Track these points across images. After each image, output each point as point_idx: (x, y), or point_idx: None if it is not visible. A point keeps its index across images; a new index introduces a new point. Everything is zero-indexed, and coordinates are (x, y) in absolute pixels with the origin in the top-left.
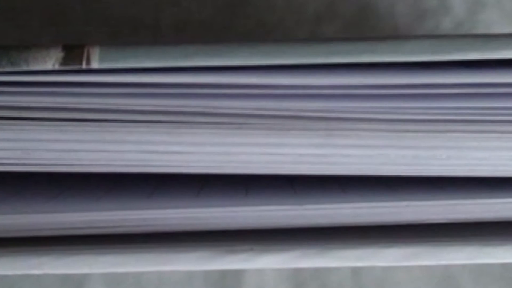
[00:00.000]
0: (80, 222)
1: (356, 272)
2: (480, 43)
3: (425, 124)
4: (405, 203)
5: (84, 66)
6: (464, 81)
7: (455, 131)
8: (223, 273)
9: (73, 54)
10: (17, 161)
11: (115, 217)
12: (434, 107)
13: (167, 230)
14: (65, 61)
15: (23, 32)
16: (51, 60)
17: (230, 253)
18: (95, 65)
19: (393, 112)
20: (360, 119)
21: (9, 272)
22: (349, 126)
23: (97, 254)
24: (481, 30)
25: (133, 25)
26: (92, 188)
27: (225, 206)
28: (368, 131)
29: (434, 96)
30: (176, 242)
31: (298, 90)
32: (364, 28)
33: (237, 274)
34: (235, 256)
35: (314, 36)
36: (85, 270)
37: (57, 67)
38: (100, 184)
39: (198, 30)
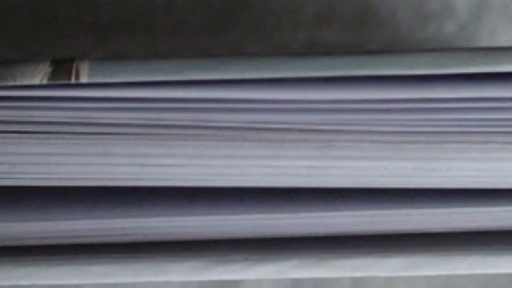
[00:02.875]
0: (69, 231)
1: (356, 284)
2: (480, 57)
3: (425, 135)
4: (405, 211)
5: (73, 81)
6: (464, 96)
7: (455, 142)
8: (220, 285)
9: (62, 68)
10: (3, 175)
11: (105, 225)
12: (434, 119)
13: (158, 239)
14: (53, 76)
15: (12, 33)
16: (39, 75)
17: (224, 263)
18: (84, 79)
19: (392, 124)
20: (358, 131)
21: None
22: (346, 137)
23: (87, 264)
24: (485, 34)
25: (124, 28)
26: (81, 195)
27: (218, 214)
28: (366, 143)
29: (434, 109)
30: (168, 252)
31: (294, 104)
32: (365, 31)
33: (234, 286)
34: (229, 267)
35: (312, 39)
36: (75, 281)
37: (45, 82)
38: (89, 192)
39: (193, 34)
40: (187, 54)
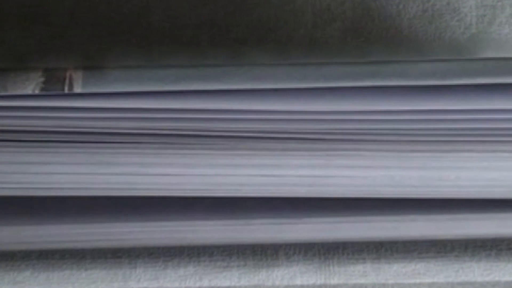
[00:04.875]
0: (60, 236)
1: None
2: (489, 67)
3: (433, 144)
4: (411, 217)
5: (66, 91)
6: (472, 108)
7: (464, 150)
8: None
9: (54, 78)
10: None
11: (97, 230)
12: (441, 128)
13: (155, 244)
14: (45, 85)
15: (3, 33)
16: (30, 85)
17: (223, 269)
18: (77, 89)
19: (398, 133)
20: (362, 140)
21: None
22: (350, 146)
23: (80, 270)
24: (491, 35)
25: (120, 26)
26: (73, 199)
27: (217, 219)
28: (371, 152)
29: (442, 119)
30: (166, 257)
31: (296, 115)
32: (366, 30)
33: None
34: (228, 272)
35: (313, 39)
36: (66, 286)
37: (37, 92)
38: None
39: (191, 33)
40: (184, 53)
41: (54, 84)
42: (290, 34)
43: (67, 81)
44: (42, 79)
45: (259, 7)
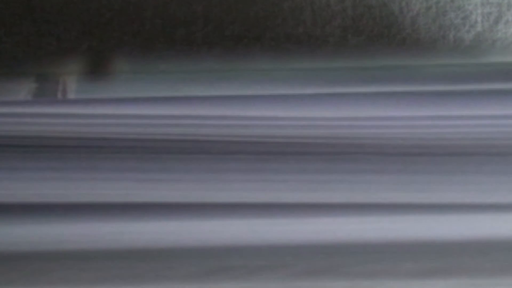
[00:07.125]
0: (53, 236)
1: None
2: (497, 72)
3: (441, 148)
4: (415, 218)
5: (59, 97)
6: (477, 113)
7: (475, 154)
8: None
9: (48, 84)
10: None
11: (98, 230)
12: (450, 132)
13: (153, 245)
14: (38, 91)
15: None
16: (23, 91)
17: (223, 270)
18: (71, 95)
19: (404, 137)
20: (366, 144)
21: None
22: (354, 149)
23: (75, 271)
24: (497, 34)
25: (111, 23)
26: None
27: (216, 219)
28: (376, 155)
29: (450, 125)
30: (164, 258)
31: (300, 121)
32: (367, 28)
33: None
34: (228, 273)
35: (312, 37)
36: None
37: (29, 98)
38: None
39: (185, 30)
40: (178, 51)
41: (47, 90)
42: (288, 32)
43: (60, 87)
44: (35, 84)
45: (256, 3)
